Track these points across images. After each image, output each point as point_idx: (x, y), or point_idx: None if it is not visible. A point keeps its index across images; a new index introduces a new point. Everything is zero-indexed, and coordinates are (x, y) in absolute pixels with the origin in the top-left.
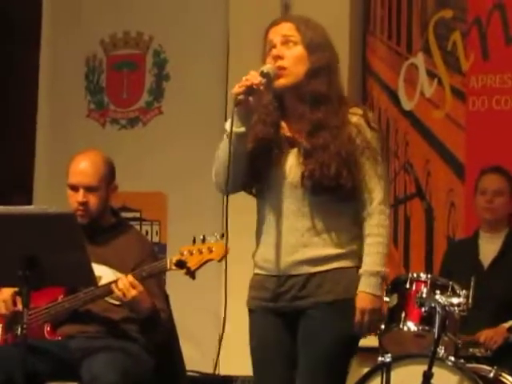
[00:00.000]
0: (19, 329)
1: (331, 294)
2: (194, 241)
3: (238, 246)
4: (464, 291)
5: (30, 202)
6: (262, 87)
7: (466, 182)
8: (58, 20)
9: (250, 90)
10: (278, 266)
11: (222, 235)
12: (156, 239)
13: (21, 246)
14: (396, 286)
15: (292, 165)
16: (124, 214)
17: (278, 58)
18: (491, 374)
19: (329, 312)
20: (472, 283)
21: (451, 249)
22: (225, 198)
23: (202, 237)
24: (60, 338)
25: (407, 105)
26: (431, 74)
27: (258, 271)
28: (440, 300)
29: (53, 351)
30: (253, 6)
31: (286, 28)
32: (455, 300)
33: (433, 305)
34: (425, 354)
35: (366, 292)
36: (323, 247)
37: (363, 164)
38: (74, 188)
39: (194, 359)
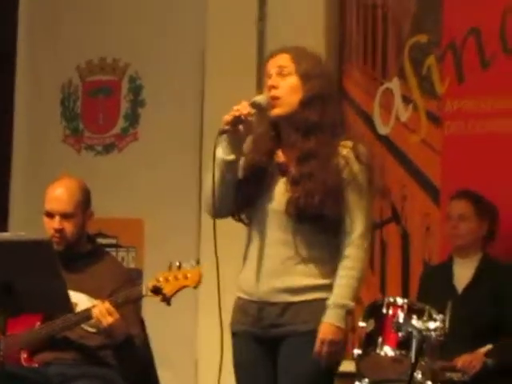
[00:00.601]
0: None
1: (308, 323)
2: (170, 267)
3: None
4: (441, 316)
5: (5, 229)
6: (250, 117)
7: (441, 207)
8: (33, 45)
9: (237, 120)
10: (258, 293)
11: (198, 261)
12: (132, 265)
13: None
14: (373, 310)
15: (279, 192)
16: (100, 241)
17: (272, 87)
18: None
19: (305, 341)
20: (448, 308)
21: (427, 273)
22: (204, 223)
23: (177, 263)
24: (37, 365)
25: (383, 129)
26: (406, 99)
27: (240, 295)
28: (417, 325)
29: (30, 378)
30: (229, 32)
31: (282, 59)
32: (432, 325)
33: (409, 329)
34: (402, 379)
35: (329, 323)
36: (303, 277)
37: (347, 196)
38: (50, 215)
39: None
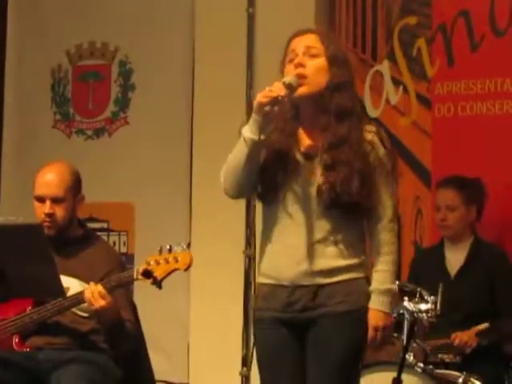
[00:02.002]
0: None
1: (343, 304)
2: (161, 250)
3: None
4: (432, 297)
5: None
6: (285, 98)
7: (432, 189)
8: (23, 31)
9: (275, 102)
10: (288, 276)
11: (189, 244)
12: (124, 249)
13: None
14: None
15: (310, 176)
16: (91, 225)
17: (299, 65)
18: (460, 380)
19: (341, 322)
20: (440, 289)
21: (419, 256)
22: (195, 207)
23: (168, 246)
24: (28, 349)
25: (373, 112)
26: (396, 82)
27: (265, 281)
28: (408, 306)
29: (21, 363)
30: (219, 16)
31: (310, 39)
32: (423, 306)
33: (401, 311)
34: (394, 361)
35: (378, 310)
36: (333, 259)
37: (376, 181)
38: (41, 199)
39: (163, 369)
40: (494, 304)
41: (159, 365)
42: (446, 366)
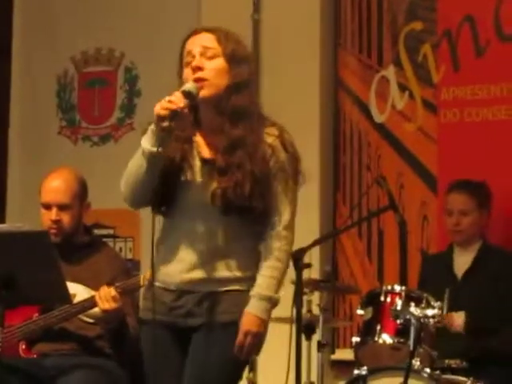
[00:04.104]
0: None
1: (225, 314)
2: None
3: None
4: (438, 303)
5: (3, 221)
6: (186, 109)
7: (438, 195)
8: (29, 37)
9: (174, 114)
10: (176, 281)
11: None
12: (130, 256)
13: None
14: (371, 298)
15: (203, 182)
16: (97, 231)
17: (197, 69)
18: None
19: (220, 333)
20: (446, 295)
21: (427, 261)
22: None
23: None
24: (35, 355)
25: (379, 118)
26: (402, 87)
27: (156, 284)
28: (415, 312)
29: (28, 369)
30: (224, 22)
31: (206, 39)
32: (430, 312)
33: (408, 317)
34: (400, 367)
35: (254, 315)
36: (224, 269)
37: (274, 186)
38: (47, 206)
39: None
40: (501, 307)
41: None
42: (453, 371)
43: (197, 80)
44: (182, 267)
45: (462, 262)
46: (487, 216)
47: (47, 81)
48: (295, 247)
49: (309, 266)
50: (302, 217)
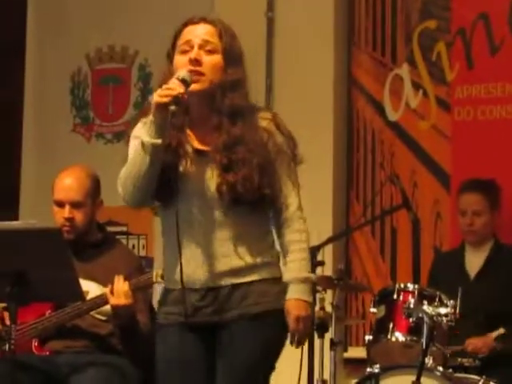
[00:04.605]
0: (7, 344)
1: (258, 305)
2: None
3: None
4: (451, 301)
5: (16, 218)
6: (186, 95)
7: (451, 193)
8: (42, 34)
9: (177, 100)
10: (198, 279)
11: None
12: (143, 253)
13: (8, 262)
14: (383, 297)
15: (208, 177)
16: (111, 229)
17: (195, 62)
18: None
19: (255, 324)
20: (459, 294)
21: (438, 260)
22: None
23: None
24: (48, 353)
25: (392, 116)
26: (416, 85)
27: (171, 286)
28: (427, 310)
29: (40, 366)
30: (238, 20)
31: (207, 31)
32: (443, 310)
33: (420, 315)
34: (413, 365)
35: (299, 299)
36: (244, 257)
37: (277, 169)
38: (60, 204)
39: None
40: None
41: None
42: (466, 369)
43: (195, 73)
44: (200, 263)
45: (475, 261)
46: (498, 215)
47: (61, 78)
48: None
49: (322, 263)
50: (315, 215)
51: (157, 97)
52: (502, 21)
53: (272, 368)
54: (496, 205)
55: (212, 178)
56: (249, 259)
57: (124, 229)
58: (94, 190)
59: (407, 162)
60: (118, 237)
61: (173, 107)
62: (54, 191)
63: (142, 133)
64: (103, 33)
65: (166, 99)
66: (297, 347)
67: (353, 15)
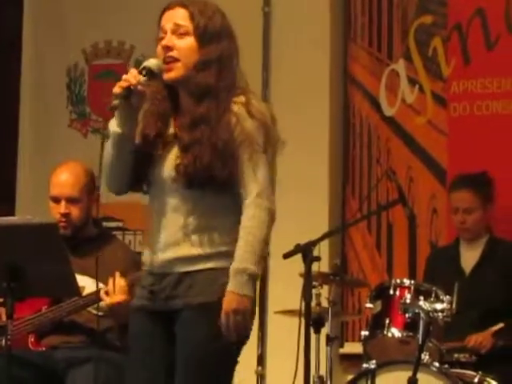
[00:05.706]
0: (3, 340)
1: (201, 296)
2: None
3: None
4: (447, 297)
5: (12, 213)
6: (140, 87)
7: (448, 188)
8: (39, 29)
9: (127, 92)
10: (154, 264)
11: None
12: (139, 249)
13: (4, 257)
14: (380, 292)
15: (170, 159)
16: (107, 224)
17: (167, 48)
18: (476, 380)
19: (198, 314)
20: (455, 289)
21: (434, 255)
22: None
23: None
24: (44, 348)
25: (388, 111)
26: (412, 80)
27: (144, 268)
28: (424, 306)
29: (37, 362)
30: (234, 15)
31: (179, 15)
32: (439, 306)
33: (417, 311)
34: (409, 360)
35: (232, 291)
36: (197, 246)
37: (240, 156)
38: (56, 200)
39: None
40: (510, 301)
41: None
42: (462, 365)
43: (169, 60)
44: (158, 248)
45: (470, 256)
46: (492, 208)
47: (57, 73)
48: (304, 240)
49: (318, 259)
50: (311, 210)
51: (115, 87)
52: (499, 16)
53: (228, 361)
54: (489, 198)
55: (174, 161)
56: (201, 248)
57: (120, 224)
58: (90, 185)
59: (403, 158)
60: (114, 232)
61: (116, 101)
62: (50, 187)
63: (111, 121)
64: (99, 28)
65: (117, 90)
66: (233, 341)
67: (349, 10)
